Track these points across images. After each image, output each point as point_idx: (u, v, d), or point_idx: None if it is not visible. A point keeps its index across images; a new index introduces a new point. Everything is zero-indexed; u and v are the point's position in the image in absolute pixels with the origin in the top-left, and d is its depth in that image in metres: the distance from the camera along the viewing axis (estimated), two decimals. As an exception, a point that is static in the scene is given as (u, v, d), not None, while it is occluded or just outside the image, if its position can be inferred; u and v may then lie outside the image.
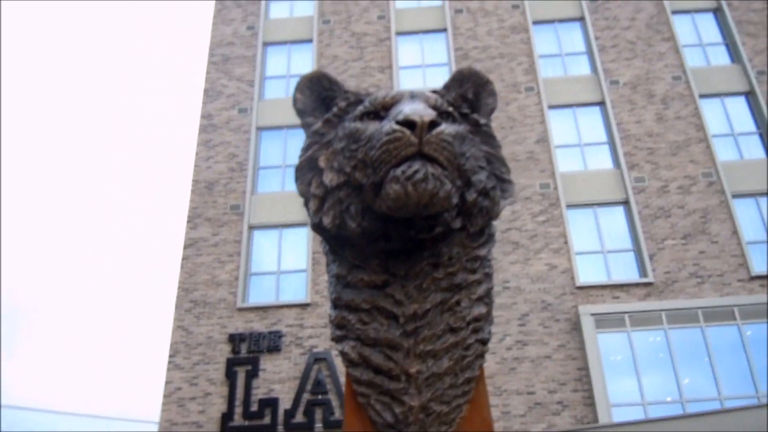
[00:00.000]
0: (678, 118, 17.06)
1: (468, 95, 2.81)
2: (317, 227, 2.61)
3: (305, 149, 2.72)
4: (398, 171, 2.24)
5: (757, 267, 14.95)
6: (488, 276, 2.79)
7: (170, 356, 15.08)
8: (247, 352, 14.88)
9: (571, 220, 16.04)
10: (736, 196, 15.84)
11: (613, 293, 14.95)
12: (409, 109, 2.33)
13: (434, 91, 2.83)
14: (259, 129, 18.10)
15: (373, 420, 2.48)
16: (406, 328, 2.48)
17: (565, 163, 16.92)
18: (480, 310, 2.62)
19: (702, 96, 17.43)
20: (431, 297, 2.51)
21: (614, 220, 16.12)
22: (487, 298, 2.69)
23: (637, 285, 15.02)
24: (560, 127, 17.42)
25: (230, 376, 14.62)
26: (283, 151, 17.88)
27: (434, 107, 2.54)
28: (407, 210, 2.29)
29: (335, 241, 2.61)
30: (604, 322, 14.41)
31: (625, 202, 16.18)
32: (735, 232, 15.39)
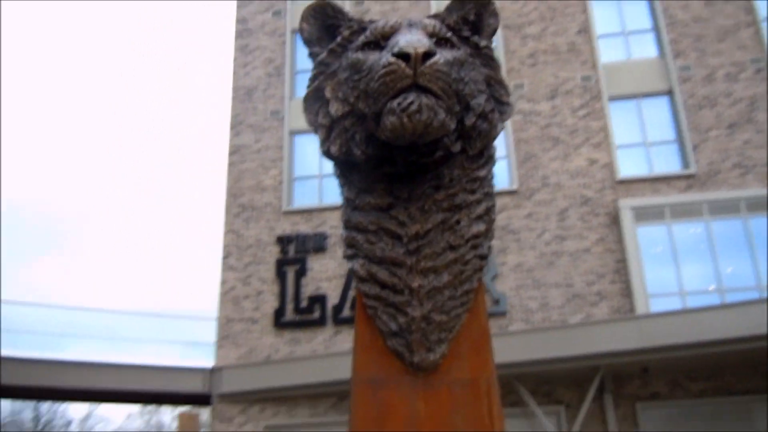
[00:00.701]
0: (727, 0, 16.21)
1: (470, 17, 2.89)
2: (326, 154, 2.84)
3: (312, 80, 2.89)
4: (394, 103, 2.41)
5: (805, 155, 14.59)
6: (488, 195, 2.99)
7: (224, 258, 15.89)
8: (295, 252, 15.55)
9: (613, 113, 15.77)
10: (786, 81, 15.26)
11: (654, 186, 14.89)
12: (404, 40, 2.46)
13: (435, 15, 2.94)
14: (294, 31, 17.98)
15: (381, 329, 2.78)
16: (409, 247, 2.71)
17: (608, 53, 16.43)
18: (479, 227, 2.83)
19: (755, -25, 16.45)
20: (432, 217, 2.72)
21: (658, 111, 15.79)
22: (486, 216, 2.90)
23: (678, 177, 14.90)
24: (603, 15, 16.79)
25: (280, 275, 15.38)
26: (319, 53, 17.84)
27: (432, 34, 2.65)
28: (404, 139, 2.48)
29: (344, 167, 2.84)
30: (643, 214, 14.45)
31: (670, 92, 15.77)
32: (783, 119, 14.95)
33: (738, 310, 11.79)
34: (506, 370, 12.62)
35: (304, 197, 16.22)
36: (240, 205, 16.23)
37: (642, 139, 15.61)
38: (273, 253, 15.63)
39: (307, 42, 2.98)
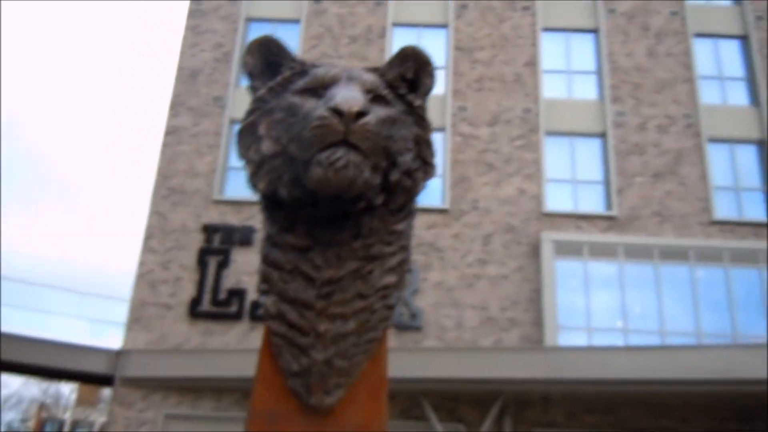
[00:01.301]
0: (669, 54, 16.99)
1: (408, 74, 3.00)
2: (253, 189, 2.89)
3: (248, 113, 2.93)
4: (323, 156, 2.49)
5: (720, 212, 15.44)
6: (403, 248, 3.09)
7: (145, 239, 15.55)
8: (220, 242, 15.36)
9: (547, 147, 16.28)
10: (712, 140, 16.09)
11: (577, 223, 15.46)
12: (340, 96, 2.54)
13: (375, 69, 3.03)
14: (248, 20, 17.79)
15: (283, 367, 2.86)
16: (321, 291, 2.79)
17: (551, 88, 16.95)
18: (390, 279, 2.94)
19: (697, 35, 17.29)
20: (347, 265, 2.81)
21: (589, 151, 16.39)
22: (399, 268, 3.01)
23: (601, 217, 15.52)
24: (551, 51, 17.32)
25: (202, 264, 15.16)
26: (271, 45, 17.69)
27: (369, 90, 2.74)
28: (328, 191, 2.56)
29: (269, 203, 2.89)
30: (563, 249, 14.97)
31: (603, 135, 16.40)
32: (704, 175, 15.76)
33: (640, 353, 12.41)
34: (414, 384, 12.88)
35: (237, 188, 16.04)
36: (169, 188, 15.92)
37: (571, 176, 16.17)
38: (197, 240, 15.40)
39: (250, 75, 3.03)
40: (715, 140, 16.12)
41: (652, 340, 14.04)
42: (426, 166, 2.98)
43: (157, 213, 15.69)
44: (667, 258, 14.89)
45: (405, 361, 12.94)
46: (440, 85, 17.07)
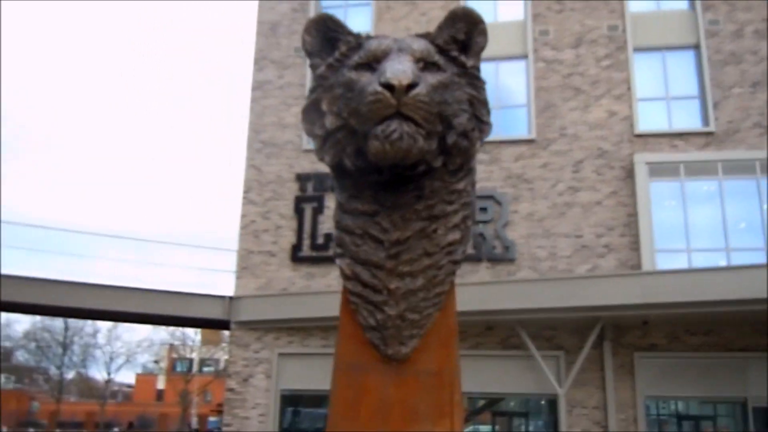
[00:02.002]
0: (766, -48, 15.69)
1: (459, 36, 3.16)
2: (321, 161, 3.21)
3: (311, 91, 3.20)
4: (378, 129, 2.73)
5: (828, 117, 14.46)
6: (465, 205, 3.32)
7: (244, 192, 16.38)
8: (313, 190, 15.97)
9: (637, 64, 15.63)
10: (817, 40, 14.94)
11: (672, 142, 14.92)
12: (391, 71, 2.75)
13: (426, 34, 3.21)
14: (322, -34, 17.84)
15: (361, 323, 3.20)
16: (389, 251, 3.08)
17: (637, 2, 16.13)
18: (454, 236, 3.18)
19: (798, -75, 15.82)
20: (412, 225, 3.07)
21: (682, 65, 15.61)
22: (462, 225, 3.25)
23: (697, 134, 14.89)
24: (635, -38, 16.39)
25: (298, 211, 15.87)
26: (345, -10, 17.72)
27: (419, 59, 2.95)
28: (386, 162, 2.82)
29: (336, 173, 3.19)
30: (658, 170, 14.56)
31: (696, 47, 15.54)
32: (810, 79, 14.73)
33: (740, 273, 12.06)
34: (511, 315, 13.18)
35: (325, 136, 16.50)
36: (261, 141, 16.58)
37: (664, 93, 15.51)
38: (292, 189, 16.07)
39: (309, 53, 3.29)
40: (821, 40, 14.95)
41: (756, 258, 13.55)
42: (482, 125, 3.16)
43: (252, 166, 16.44)
44: (771, 171, 14.19)
45: (500, 293, 13.25)
46: (519, 10, 16.62)
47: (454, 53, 3.08)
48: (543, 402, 14.52)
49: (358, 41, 3.12)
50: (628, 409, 13.50)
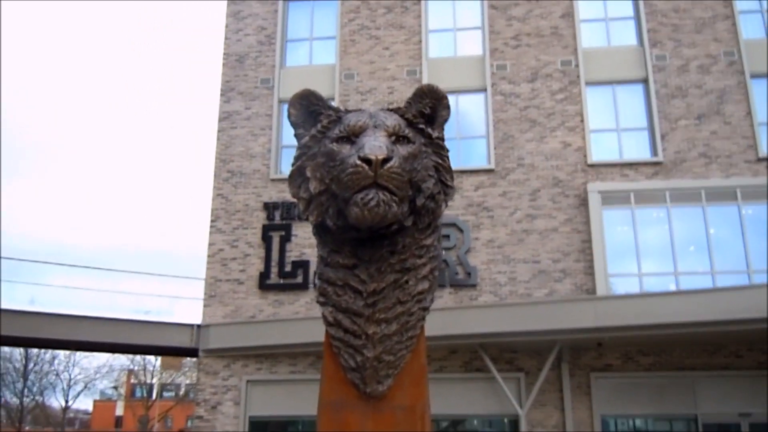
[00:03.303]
0: (707, -9, 16.77)
1: (425, 110, 3.67)
2: (305, 220, 3.66)
3: (296, 159, 3.66)
4: (358, 197, 3.19)
5: (766, 148, 15.43)
6: (433, 258, 3.80)
7: (212, 221, 16.65)
8: (281, 219, 16.34)
9: (589, 97, 16.46)
10: (754, 76, 15.96)
11: (622, 171, 15.73)
12: (368, 147, 3.23)
13: (397, 109, 3.69)
14: (286, 0, 18.35)
15: (343, 364, 3.64)
16: (367, 300, 3.52)
17: (589, 38, 17.02)
18: (423, 285, 3.65)
19: (736, -33, 16.96)
20: (387, 277, 3.53)
21: (632, 98, 16.49)
22: (430, 275, 3.71)
23: (646, 164, 15.73)
24: (587, 0, 17.30)
25: (266, 239, 16.20)
26: (310, 23, 18.23)
27: (392, 134, 3.43)
28: (365, 225, 3.29)
29: (319, 230, 3.64)
30: (610, 198, 15.33)
31: (645, 81, 16.45)
32: (749, 113, 15.72)
33: (688, 297, 12.82)
34: (473, 339, 13.70)
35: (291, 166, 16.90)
36: (229, 171, 16.91)
37: (615, 124, 16.36)
38: (260, 218, 16.41)
39: (294, 124, 3.76)
40: (758, 76, 15.97)
41: (704, 281, 14.38)
42: (446, 189, 3.67)
43: (220, 195, 16.74)
44: (715, 199, 15.08)
45: (463, 317, 13.76)
46: (478, 46, 17.36)
47: (422, 125, 3.59)
48: (505, 421, 15.02)
49: (337, 115, 3.59)
50: (586, 428, 14.09)
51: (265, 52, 17.81)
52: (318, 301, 3.75)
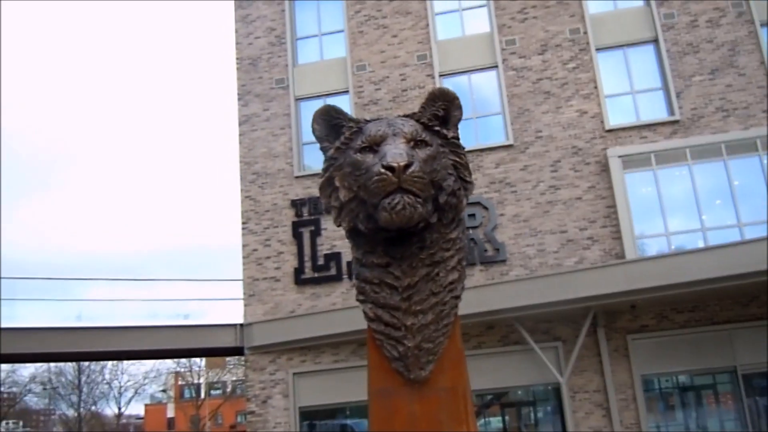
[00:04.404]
0: (711, -56, 16.64)
1: (439, 112, 3.98)
2: (338, 226, 4.00)
3: (324, 170, 3.99)
4: (385, 202, 3.51)
5: (783, 96, 15.39)
6: (459, 250, 4.10)
7: (243, 223, 17.12)
8: (309, 214, 16.74)
9: (601, 63, 16.52)
10: (765, 24, 15.87)
11: (641, 133, 15.81)
12: (390, 155, 3.54)
13: (412, 114, 4.00)
14: (293, -1, 18.62)
15: (386, 355, 3.98)
16: (403, 295, 3.84)
17: (596, 4, 17.03)
18: (453, 276, 3.96)
19: None
20: (419, 271, 3.85)
21: (644, 59, 16.50)
22: (458, 266, 4.02)
23: (664, 123, 15.78)
24: (590, -35, 17.29)
25: (297, 236, 16.63)
26: (317, 19, 18.49)
27: (410, 139, 3.74)
28: (394, 227, 3.61)
29: (352, 234, 3.97)
30: (631, 162, 15.44)
31: (655, 41, 16.45)
32: (762, 62, 15.66)
33: (717, 252, 12.94)
34: (508, 313, 13.99)
35: (314, 161, 17.26)
36: (254, 173, 17.33)
37: (629, 88, 16.41)
38: (289, 215, 16.83)
39: (318, 138, 4.09)
40: (769, 24, 15.91)
41: (731, 235, 14.46)
42: (466, 184, 3.98)
43: (248, 197, 17.18)
44: (736, 152, 15.11)
45: (496, 293, 14.06)
46: (485, 23, 17.47)
47: (437, 127, 3.90)
48: (549, 388, 15.32)
49: (358, 126, 3.91)
50: (627, 389, 14.36)
51: (276, 52, 18.12)
52: (357, 299, 4.08)
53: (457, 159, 4.01)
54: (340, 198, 3.87)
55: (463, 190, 4.03)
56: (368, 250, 3.98)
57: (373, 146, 3.74)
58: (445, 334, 3.99)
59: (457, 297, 4.12)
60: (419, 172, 3.60)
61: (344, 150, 3.92)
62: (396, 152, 3.57)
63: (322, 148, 4.11)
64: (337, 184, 3.90)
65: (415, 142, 3.74)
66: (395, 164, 3.50)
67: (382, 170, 3.53)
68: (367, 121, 4.05)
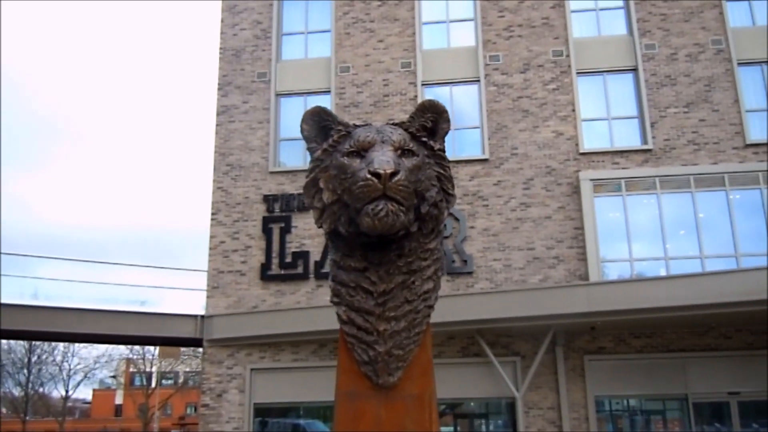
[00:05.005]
0: (695, -19, 17.06)
1: (427, 124, 4.02)
2: (319, 227, 4.01)
3: (310, 171, 3.99)
4: (369, 208, 3.53)
5: (753, 135, 15.83)
6: (436, 260, 4.14)
7: (213, 214, 16.97)
8: (280, 210, 16.67)
9: (580, 87, 16.79)
10: (741, 63, 16.32)
11: (613, 159, 16.10)
12: (377, 162, 3.57)
13: (401, 123, 4.03)
14: (282, -6, 18.55)
15: (357, 359, 4.00)
16: (377, 300, 3.87)
17: (580, 28, 17.31)
18: (428, 285, 4.00)
19: (723, -44, 17.24)
20: (395, 278, 3.88)
21: (622, 87, 16.82)
22: (434, 276, 4.06)
23: (636, 151, 16.10)
24: (578, -10, 17.58)
25: (266, 231, 16.54)
26: (305, 16, 18.46)
27: (397, 148, 3.77)
28: (375, 233, 3.64)
29: (332, 236, 3.98)
30: (601, 186, 15.73)
31: (634, 69, 16.78)
32: (736, 100, 16.09)
33: (677, 281, 13.24)
34: (470, 325, 14.12)
35: (290, 158, 17.21)
36: (228, 164, 17.21)
37: (605, 113, 16.71)
38: (260, 210, 16.74)
39: (306, 139, 4.10)
40: (745, 63, 16.34)
41: (693, 266, 14.80)
42: (448, 197, 4.02)
43: (220, 188, 17.05)
44: (704, 185, 15.49)
45: (460, 304, 14.16)
46: (470, 37, 17.63)
47: (424, 138, 3.94)
48: (503, 402, 15.47)
49: (347, 130, 3.93)
50: (580, 409, 14.58)
51: (261, 46, 18.04)
52: (332, 301, 4.08)
53: (442, 171, 4.06)
54: (324, 199, 3.88)
55: (445, 202, 4.07)
56: (347, 254, 4.00)
57: (361, 151, 3.76)
58: (416, 341, 4.01)
59: (431, 306, 4.15)
60: (404, 180, 3.63)
61: (331, 152, 3.94)
62: (383, 159, 3.60)
63: (309, 149, 4.11)
64: (322, 185, 3.91)
65: (403, 151, 3.77)
66: (382, 171, 3.52)
67: (368, 176, 3.55)
68: (357, 126, 4.07)
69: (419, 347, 4.01)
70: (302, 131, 4.09)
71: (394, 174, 3.53)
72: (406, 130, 3.95)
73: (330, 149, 3.92)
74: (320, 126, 4.04)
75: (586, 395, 14.64)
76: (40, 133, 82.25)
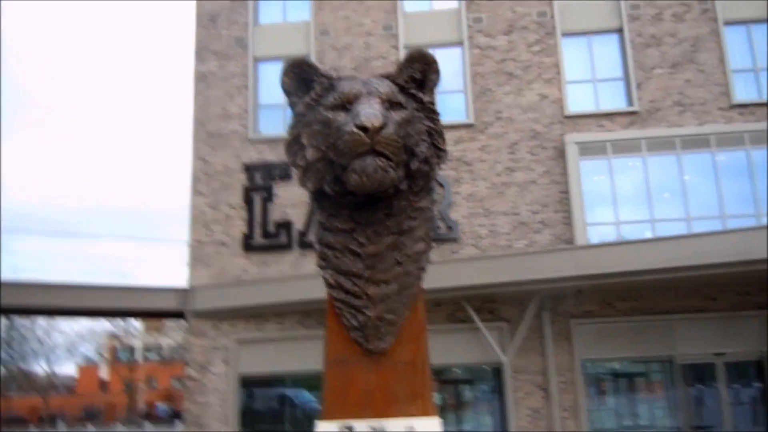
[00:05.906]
0: (682, -62, 16.73)
1: (416, 75, 3.76)
2: (303, 187, 3.76)
3: (292, 127, 3.74)
4: (356, 164, 3.29)
5: (738, 95, 15.69)
6: (427, 220, 3.93)
7: (193, 183, 16.60)
8: (262, 179, 16.33)
9: (565, 49, 16.51)
10: (728, 23, 16.10)
11: (599, 121, 15.92)
12: (364, 114, 3.32)
13: (388, 75, 3.77)
14: (258, -45, 17.97)
15: (345, 324, 3.79)
16: (366, 263, 3.66)
17: (564, -12, 16.99)
18: (419, 247, 3.79)
19: None
20: (384, 239, 3.67)
21: (607, 48, 16.57)
22: (425, 237, 3.85)
23: (622, 113, 15.92)
24: (562, -51, 17.18)
25: (248, 201, 16.22)
26: (282, -22, 17.94)
27: (385, 100, 3.51)
28: (363, 191, 3.41)
29: (317, 196, 3.75)
30: (587, 149, 15.55)
31: (620, 30, 16.51)
32: (722, 60, 15.92)
33: (663, 243, 13.15)
34: (456, 292, 13.99)
35: (270, 126, 16.81)
36: (207, 132, 16.79)
37: (590, 75, 16.46)
38: (240, 179, 16.39)
39: (287, 92, 3.83)
40: (731, 23, 16.12)
41: (679, 228, 14.74)
42: (439, 152, 3.79)
43: (199, 158, 16.66)
44: (689, 147, 15.37)
45: (446, 271, 13.99)
46: (453, -1, 17.24)
47: (413, 90, 3.69)
48: (490, 368, 15.42)
49: (330, 82, 3.67)
50: (567, 373, 14.59)
51: (237, 9, 17.51)
52: (318, 265, 3.86)
53: (432, 125, 3.82)
54: (307, 157, 3.63)
55: (436, 158, 3.84)
56: (333, 214, 3.78)
57: (346, 104, 3.53)
58: (407, 305, 3.84)
59: (422, 269, 3.96)
60: (394, 134, 3.39)
61: (314, 107, 3.69)
62: (370, 112, 3.36)
63: (290, 104, 3.84)
64: (305, 142, 3.67)
65: (390, 104, 3.54)
66: (369, 124, 3.29)
67: (355, 130, 3.32)
68: (341, 78, 3.80)
69: (411, 311, 3.83)
70: (282, 85, 3.82)
71: (382, 127, 3.29)
72: (393, 81, 3.70)
73: (313, 103, 3.67)
74: (301, 79, 3.78)
75: (573, 359, 14.64)
76: (9, 103, 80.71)
